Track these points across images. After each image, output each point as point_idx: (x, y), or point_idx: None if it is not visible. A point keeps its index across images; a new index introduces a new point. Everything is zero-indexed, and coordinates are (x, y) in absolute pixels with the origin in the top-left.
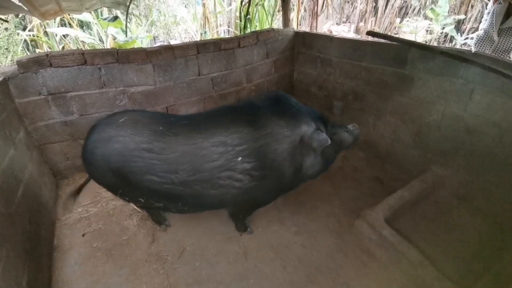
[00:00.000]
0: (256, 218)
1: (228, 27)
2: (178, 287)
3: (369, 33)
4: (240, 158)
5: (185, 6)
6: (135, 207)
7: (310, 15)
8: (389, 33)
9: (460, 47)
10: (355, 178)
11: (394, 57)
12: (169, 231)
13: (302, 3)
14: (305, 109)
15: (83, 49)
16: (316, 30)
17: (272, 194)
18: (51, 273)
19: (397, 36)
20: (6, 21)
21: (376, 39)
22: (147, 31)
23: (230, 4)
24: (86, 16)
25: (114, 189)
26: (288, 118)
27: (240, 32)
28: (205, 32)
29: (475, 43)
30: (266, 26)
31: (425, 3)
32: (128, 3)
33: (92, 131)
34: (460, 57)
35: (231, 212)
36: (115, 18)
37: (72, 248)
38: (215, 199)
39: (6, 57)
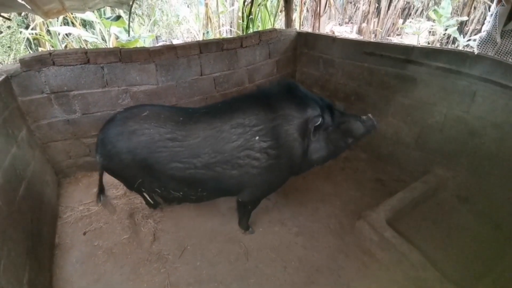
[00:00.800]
0: (257, 219)
1: (231, 27)
2: (178, 286)
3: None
4: (257, 137)
5: (188, 6)
6: (148, 198)
7: (312, 16)
8: (391, 34)
9: (462, 49)
10: (357, 179)
11: (397, 58)
12: (170, 230)
13: (304, 3)
14: (313, 96)
15: (86, 48)
16: (319, 31)
17: (283, 175)
18: (52, 271)
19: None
20: (9, 19)
21: (379, 40)
22: (149, 31)
23: (233, 4)
24: (89, 15)
25: (132, 181)
26: (297, 103)
27: (243, 32)
28: (208, 32)
29: (478, 45)
30: (269, 26)
31: (428, 4)
32: (131, 3)
33: (111, 125)
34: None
35: (243, 201)
36: (118, 17)
37: (73, 247)
38: (234, 180)
39: (9, 55)
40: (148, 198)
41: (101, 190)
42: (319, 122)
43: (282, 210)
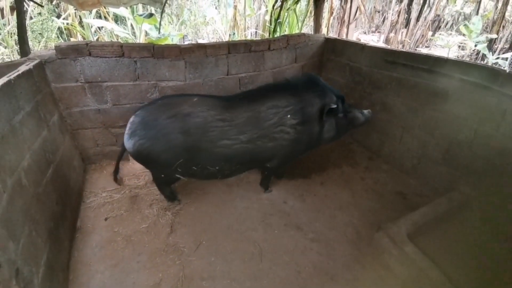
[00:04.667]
0: (272, 221)
1: (256, 29)
2: (192, 279)
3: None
4: (289, 116)
5: (216, 8)
6: (181, 177)
7: (338, 23)
8: (420, 45)
9: (492, 65)
10: (377, 190)
11: (429, 69)
12: (187, 224)
13: (332, 11)
14: (331, 88)
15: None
16: (347, 38)
17: (303, 148)
18: (71, 254)
19: (429, 51)
20: (41, 6)
21: (408, 49)
22: (177, 30)
23: (260, 8)
24: (122, 11)
25: (171, 163)
26: (318, 91)
27: (269, 35)
28: (234, 34)
29: (510, 63)
30: (296, 31)
31: (458, 19)
32: (164, 1)
33: (157, 110)
34: None
35: (272, 167)
36: (151, 15)
37: (94, 231)
38: (269, 151)
39: (39, 42)
40: (169, 186)
41: (117, 170)
42: (333, 107)
43: (299, 214)
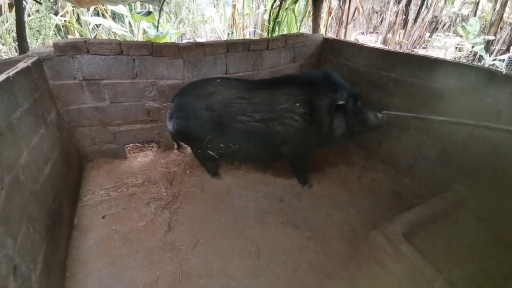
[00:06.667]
0: (269, 219)
1: (255, 29)
2: (190, 277)
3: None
4: (298, 104)
5: (214, 6)
6: (212, 154)
7: (337, 23)
8: (417, 46)
9: (488, 67)
10: (373, 189)
11: (426, 70)
12: (184, 222)
13: (331, 11)
14: (345, 85)
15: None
16: (344, 38)
17: (313, 140)
18: (68, 251)
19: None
20: (40, 3)
21: (405, 50)
22: (175, 28)
23: (258, 7)
24: (120, 9)
25: (202, 138)
26: (331, 85)
27: (268, 35)
28: (232, 33)
29: (507, 65)
30: (294, 30)
31: (455, 20)
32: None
33: (187, 92)
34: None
35: (285, 153)
36: (149, 12)
37: (91, 229)
38: (278, 135)
39: (37, 39)
40: (212, 161)
41: (179, 145)
42: (341, 103)
43: (296, 212)
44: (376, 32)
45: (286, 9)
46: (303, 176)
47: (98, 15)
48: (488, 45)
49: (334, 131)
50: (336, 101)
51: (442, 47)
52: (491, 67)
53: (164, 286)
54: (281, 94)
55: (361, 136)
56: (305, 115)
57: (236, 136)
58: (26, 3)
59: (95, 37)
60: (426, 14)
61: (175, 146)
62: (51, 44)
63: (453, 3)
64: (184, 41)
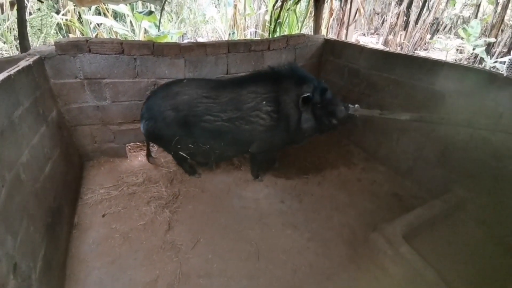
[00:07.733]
0: (269, 220)
1: (256, 29)
2: (189, 277)
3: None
4: (264, 102)
5: (216, 6)
6: (183, 154)
7: (338, 24)
8: (418, 48)
9: (489, 69)
10: (373, 191)
11: (427, 72)
12: (184, 222)
13: (332, 12)
14: (311, 78)
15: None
16: (346, 39)
17: (282, 136)
18: (68, 250)
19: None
20: (41, 1)
21: (406, 52)
22: (176, 28)
23: (260, 8)
24: (122, 8)
25: (171, 139)
26: (297, 80)
27: (269, 35)
28: (233, 33)
29: (507, 67)
30: (295, 31)
31: (456, 22)
32: None
33: (155, 94)
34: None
35: (253, 152)
36: (151, 12)
37: (91, 227)
38: (246, 134)
39: (38, 38)
40: (185, 161)
41: (149, 154)
42: (306, 96)
43: (296, 214)
44: (377, 34)
45: (287, 10)
46: (258, 170)
47: (99, 14)
48: (489, 47)
49: (303, 125)
50: (302, 94)
51: (443, 49)
52: (492, 69)
53: (164, 285)
54: (247, 93)
55: (335, 131)
56: (272, 113)
57: (204, 136)
58: (28, 1)
59: (96, 36)
60: (427, 16)
61: (146, 154)
62: (53, 43)
63: (454, 5)
64: (185, 41)
